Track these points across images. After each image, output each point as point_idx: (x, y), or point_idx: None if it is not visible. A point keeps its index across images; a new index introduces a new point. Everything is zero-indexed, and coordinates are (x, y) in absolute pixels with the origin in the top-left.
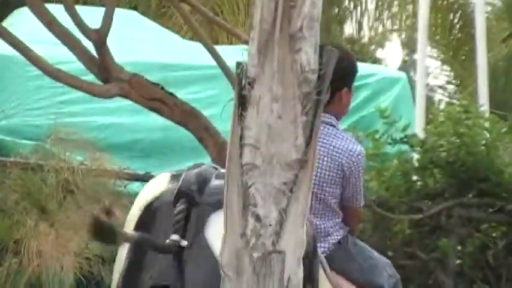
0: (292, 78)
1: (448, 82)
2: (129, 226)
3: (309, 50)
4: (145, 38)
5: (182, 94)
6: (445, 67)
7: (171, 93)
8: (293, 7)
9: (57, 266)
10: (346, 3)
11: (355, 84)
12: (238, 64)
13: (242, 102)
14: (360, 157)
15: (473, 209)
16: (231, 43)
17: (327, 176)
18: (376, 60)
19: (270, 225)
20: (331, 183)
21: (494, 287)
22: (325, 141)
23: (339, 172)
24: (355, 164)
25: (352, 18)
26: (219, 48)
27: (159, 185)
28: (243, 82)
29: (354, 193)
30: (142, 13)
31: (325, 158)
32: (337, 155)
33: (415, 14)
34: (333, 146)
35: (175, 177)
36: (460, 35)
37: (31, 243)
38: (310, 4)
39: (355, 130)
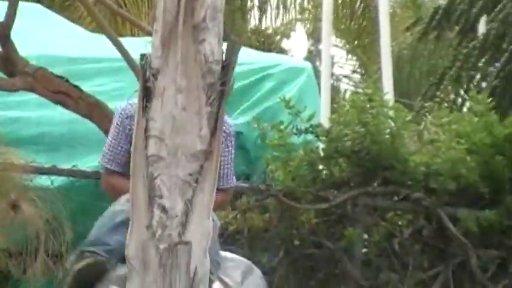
0: (196, 69)
1: (354, 71)
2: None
3: (213, 40)
4: (49, 31)
5: (87, 87)
6: (350, 56)
7: (76, 86)
8: None
9: None
10: None
11: (260, 75)
12: (142, 56)
13: (146, 94)
14: (232, 128)
15: (379, 197)
16: (134, 35)
17: None
18: (281, 51)
19: (176, 216)
20: None
21: (401, 275)
22: None
23: None
24: (229, 135)
25: (255, 9)
26: (123, 41)
27: None
28: (147, 74)
29: (226, 170)
30: (47, 6)
31: None
32: None
33: (320, 4)
34: None
35: None
36: (364, 23)
37: None
38: None
39: (260, 121)
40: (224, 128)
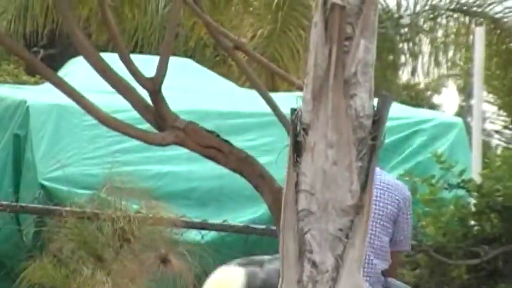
0: (346, 124)
1: (505, 127)
2: None
3: (364, 95)
4: (200, 86)
5: (237, 142)
6: (502, 111)
7: (226, 141)
8: (347, 53)
9: None
10: (401, 48)
11: (412, 130)
12: (293, 110)
13: (297, 149)
14: (409, 194)
15: None
16: (289, 90)
17: (384, 211)
18: (432, 106)
19: (327, 271)
20: (388, 219)
21: None
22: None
23: (395, 207)
24: (408, 200)
25: (407, 64)
26: (275, 96)
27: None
28: (298, 128)
29: (405, 235)
30: (198, 61)
31: (381, 193)
32: (392, 189)
33: (471, 59)
34: (385, 182)
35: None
36: None
37: None
38: (364, 49)
39: (411, 176)
40: (404, 195)
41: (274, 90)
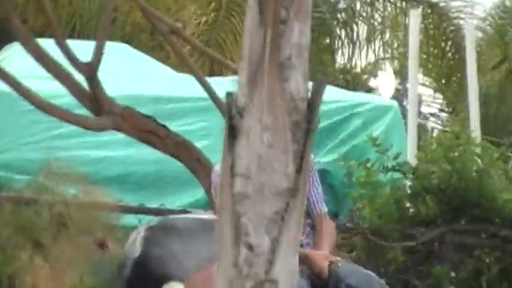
0: (281, 107)
1: (441, 110)
2: None
3: (299, 78)
4: (137, 71)
5: (174, 126)
6: (438, 95)
7: (163, 126)
8: (281, 36)
9: None
10: (338, 32)
11: (347, 113)
12: (229, 94)
13: (232, 132)
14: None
15: (466, 235)
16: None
17: None
18: (369, 90)
19: (263, 254)
20: None
21: None
22: None
23: None
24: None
25: (344, 48)
26: (211, 80)
27: None
28: (233, 112)
29: (317, 198)
30: (135, 46)
31: None
32: None
33: (407, 42)
34: None
35: None
36: (451, 62)
37: (25, 277)
38: (298, 33)
39: (347, 159)
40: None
41: (215, 74)
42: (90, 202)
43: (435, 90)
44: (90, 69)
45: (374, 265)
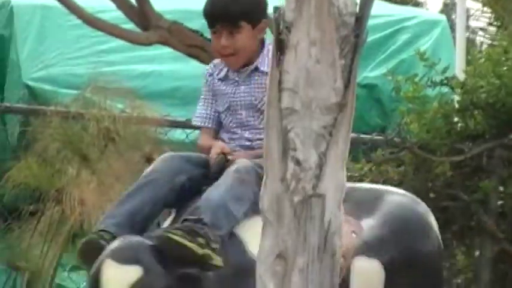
0: (329, 22)
1: (490, 24)
2: None
3: None
4: None
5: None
6: (486, 9)
7: (210, 40)
8: None
9: (100, 214)
10: None
11: (395, 27)
12: (276, 9)
13: (280, 47)
14: None
15: None
16: None
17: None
18: (417, 4)
19: (310, 169)
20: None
21: None
22: None
23: None
24: None
25: None
26: None
27: None
28: (281, 27)
29: None
30: None
31: None
32: None
33: None
34: None
35: None
36: None
37: (73, 191)
38: None
39: (394, 74)
40: None
41: None
42: (137, 117)
43: (484, 4)
44: None
45: (422, 179)
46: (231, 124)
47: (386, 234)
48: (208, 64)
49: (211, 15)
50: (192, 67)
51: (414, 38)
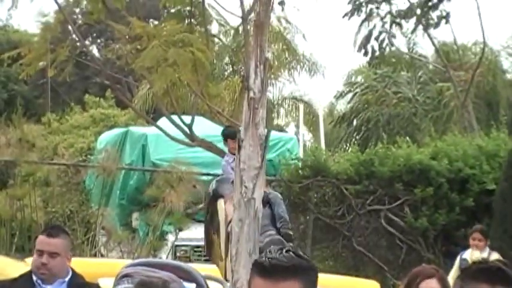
0: (257, 139)
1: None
2: None
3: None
4: None
5: None
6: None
7: None
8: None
9: None
10: None
11: (276, 140)
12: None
13: (239, 148)
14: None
15: None
16: None
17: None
18: (281, 129)
19: (250, 188)
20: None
21: None
22: None
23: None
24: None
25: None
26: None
27: None
28: (240, 139)
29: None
30: None
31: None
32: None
33: None
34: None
35: None
36: None
37: None
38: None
39: (277, 156)
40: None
41: None
42: None
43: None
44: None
45: None
46: None
47: None
48: None
49: None
50: None
51: (284, 144)
